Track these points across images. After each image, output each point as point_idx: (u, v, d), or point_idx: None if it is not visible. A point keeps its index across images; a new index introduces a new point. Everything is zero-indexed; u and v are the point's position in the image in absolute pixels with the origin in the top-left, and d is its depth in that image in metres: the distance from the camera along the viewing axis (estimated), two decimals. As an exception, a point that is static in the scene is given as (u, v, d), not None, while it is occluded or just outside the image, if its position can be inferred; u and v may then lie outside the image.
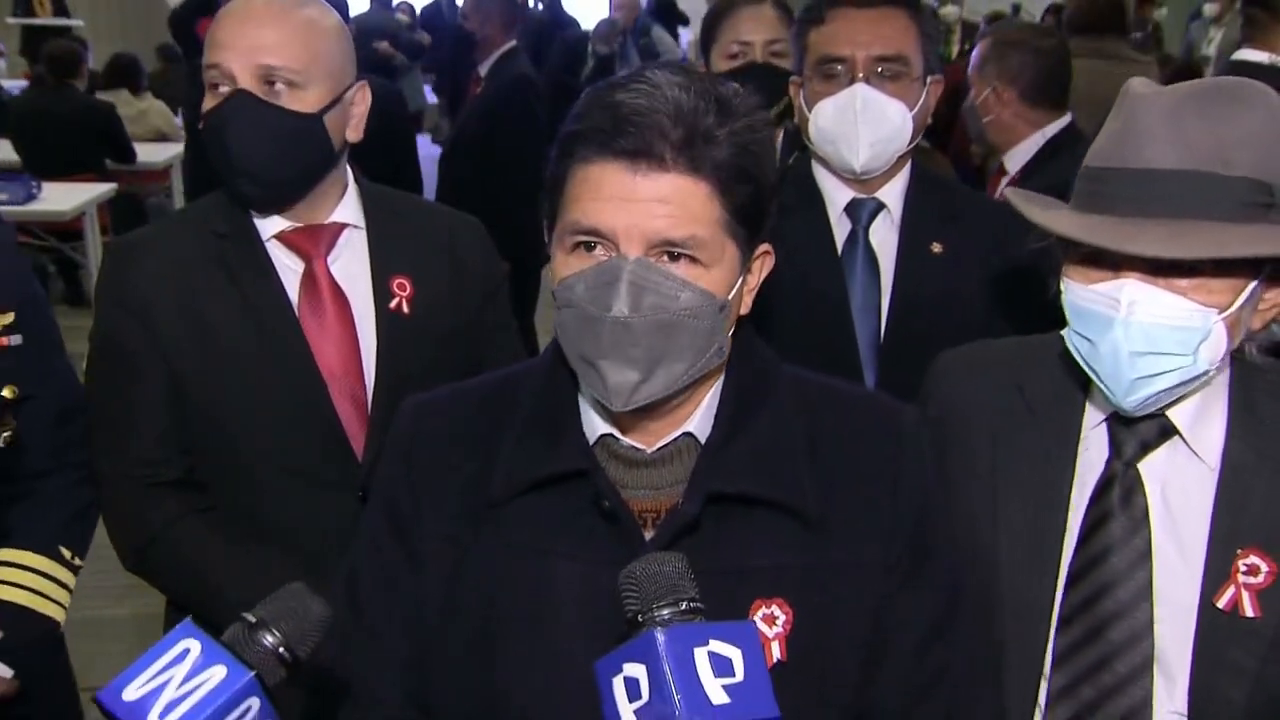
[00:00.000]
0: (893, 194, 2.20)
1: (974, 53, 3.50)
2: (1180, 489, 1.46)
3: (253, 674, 1.09)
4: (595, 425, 1.33)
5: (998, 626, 1.49)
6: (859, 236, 2.19)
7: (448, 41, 9.64)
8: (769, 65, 2.63)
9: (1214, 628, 1.41)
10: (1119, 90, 1.45)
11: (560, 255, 1.26)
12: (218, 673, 1.08)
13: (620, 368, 1.22)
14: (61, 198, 6.95)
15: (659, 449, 1.32)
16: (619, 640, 1.05)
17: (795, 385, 1.37)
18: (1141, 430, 1.47)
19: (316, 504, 1.89)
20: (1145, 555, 1.45)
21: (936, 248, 2.18)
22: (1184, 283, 1.35)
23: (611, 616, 1.12)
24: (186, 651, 1.10)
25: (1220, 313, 1.36)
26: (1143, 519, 1.45)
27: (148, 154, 8.06)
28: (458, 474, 1.35)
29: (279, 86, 1.81)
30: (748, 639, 1.04)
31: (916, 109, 2.12)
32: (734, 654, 1.02)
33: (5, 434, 1.82)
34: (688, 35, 12.02)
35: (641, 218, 1.20)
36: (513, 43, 5.09)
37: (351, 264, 1.95)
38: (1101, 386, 1.43)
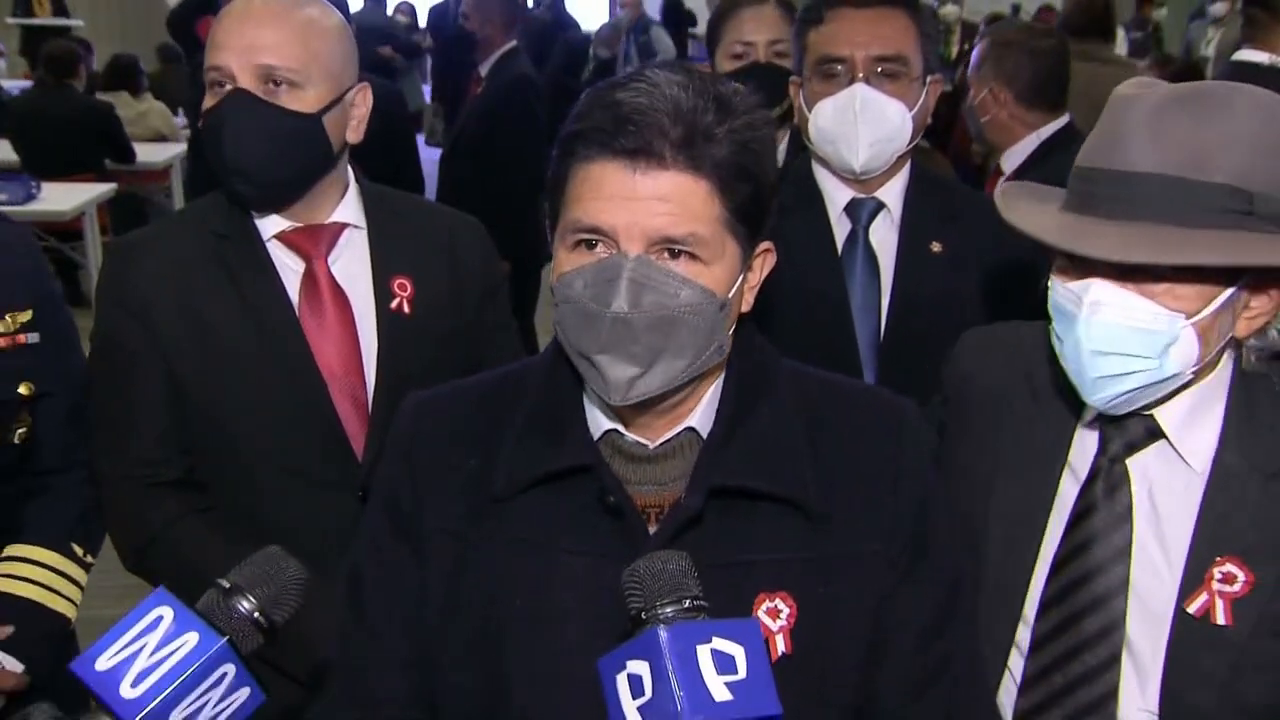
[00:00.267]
0: (892, 194, 2.21)
1: (973, 53, 3.50)
2: (1167, 491, 1.46)
3: (224, 640, 1.08)
4: (599, 421, 1.33)
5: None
6: (859, 236, 2.19)
7: (451, 42, 9.64)
8: (771, 65, 2.63)
9: (1186, 632, 1.42)
10: (1103, 91, 1.46)
11: (561, 253, 1.27)
12: (190, 640, 1.08)
13: (619, 363, 1.23)
14: (61, 198, 6.94)
15: (662, 444, 1.33)
16: (622, 636, 1.05)
17: (796, 380, 1.38)
18: (1129, 430, 1.48)
19: (316, 504, 1.88)
20: (1125, 551, 1.46)
21: (936, 247, 2.18)
22: (1156, 287, 1.35)
23: (615, 612, 1.13)
24: (160, 619, 1.09)
25: (1189, 318, 1.36)
26: (1126, 515, 1.47)
27: (147, 154, 8.06)
28: (459, 471, 1.35)
29: (278, 86, 1.81)
30: (750, 636, 1.04)
31: (916, 109, 2.12)
32: (737, 651, 1.02)
33: (20, 430, 1.84)
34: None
35: (642, 216, 1.20)
36: (513, 43, 5.08)
37: (352, 264, 1.95)
38: (1075, 385, 1.44)
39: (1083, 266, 1.39)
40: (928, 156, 3.41)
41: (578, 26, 11.72)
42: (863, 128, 2.09)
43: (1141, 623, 1.44)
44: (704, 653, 1.01)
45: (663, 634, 1.01)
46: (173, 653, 1.07)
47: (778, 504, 1.29)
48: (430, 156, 6.00)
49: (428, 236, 2.02)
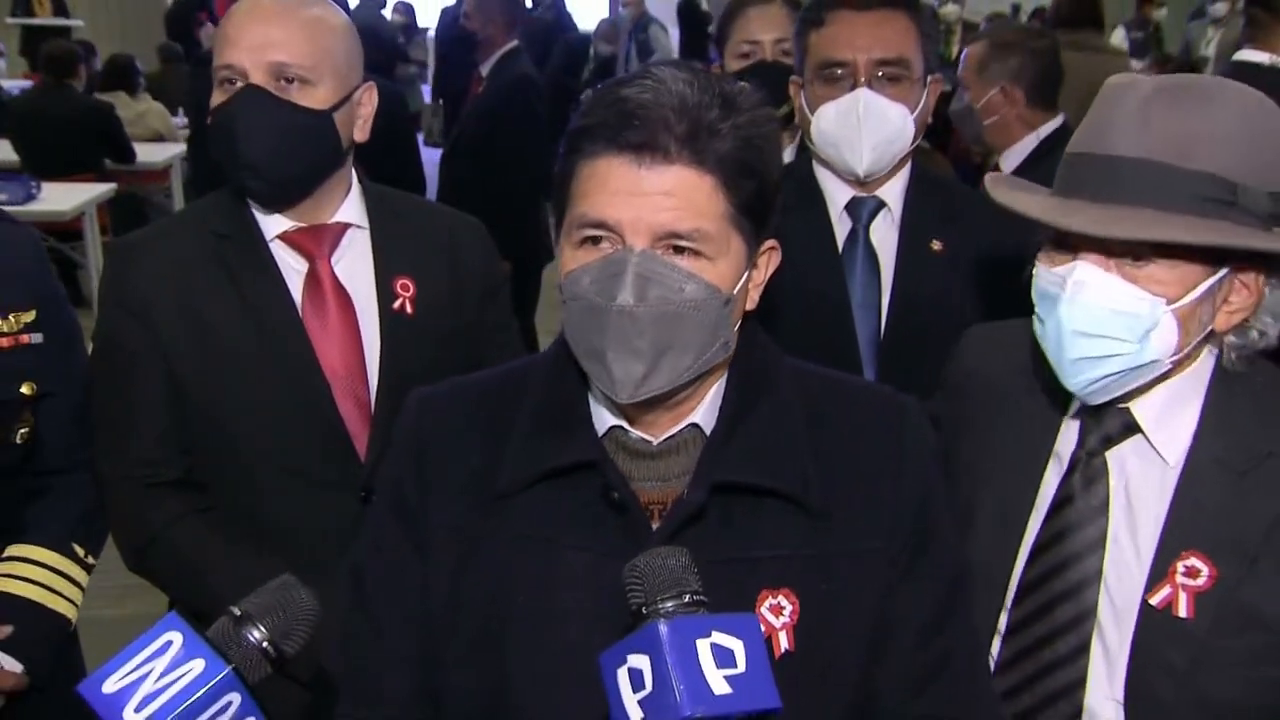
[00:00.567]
0: (893, 193, 2.21)
1: (965, 55, 3.49)
2: (1142, 484, 1.48)
3: (229, 669, 1.08)
4: (603, 417, 1.34)
5: None
6: (859, 235, 2.20)
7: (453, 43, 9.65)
8: (777, 63, 2.64)
9: (1150, 624, 1.44)
10: (1092, 80, 1.48)
11: (568, 250, 1.28)
12: (196, 666, 1.08)
13: (625, 359, 1.23)
14: (61, 198, 6.94)
15: (665, 441, 1.33)
16: (625, 631, 1.06)
17: (798, 378, 1.39)
18: (1107, 423, 1.50)
19: (317, 504, 1.89)
20: (1099, 542, 1.48)
21: (936, 246, 2.18)
22: (1137, 271, 1.38)
23: (617, 609, 1.13)
24: (169, 643, 1.09)
25: (1170, 303, 1.38)
26: (1102, 508, 1.49)
27: (147, 154, 8.06)
28: (463, 467, 1.35)
29: (290, 84, 1.81)
30: (750, 631, 1.05)
31: (918, 110, 2.13)
32: (736, 645, 1.03)
33: (23, 430, 1.84)
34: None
35: (647, 211, 1.21)
36: (514, 43, 5.09)
37: (355, 264, 1.95)
38: (1054, 369, 1.46)
39: (1067, 250, 1.42)
40: (928, 156, 3.41)
41: (576, 27, 11.72)
42: (866, 132, 2.10)
43: (1112, 613, 1.47)
44: (703, 647, 1.02)
45: (663, 628, 1.01)
46: (179, 679, 1.07)
47: (780, 501, 1.30)
48: (430, 157, 6.00)
49: (429, 237, 2.02)
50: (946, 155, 4.30)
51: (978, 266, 2.17)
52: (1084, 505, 1.50)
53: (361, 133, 1.93)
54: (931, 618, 1.34)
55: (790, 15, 2.69)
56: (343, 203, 1.95)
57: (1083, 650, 1.47)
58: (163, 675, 1.06)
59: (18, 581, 1.88)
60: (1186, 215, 1.36)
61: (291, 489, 1.88)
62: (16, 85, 9.88)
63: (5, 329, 1.81)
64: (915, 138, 2.16)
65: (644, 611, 1.06)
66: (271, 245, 1.91)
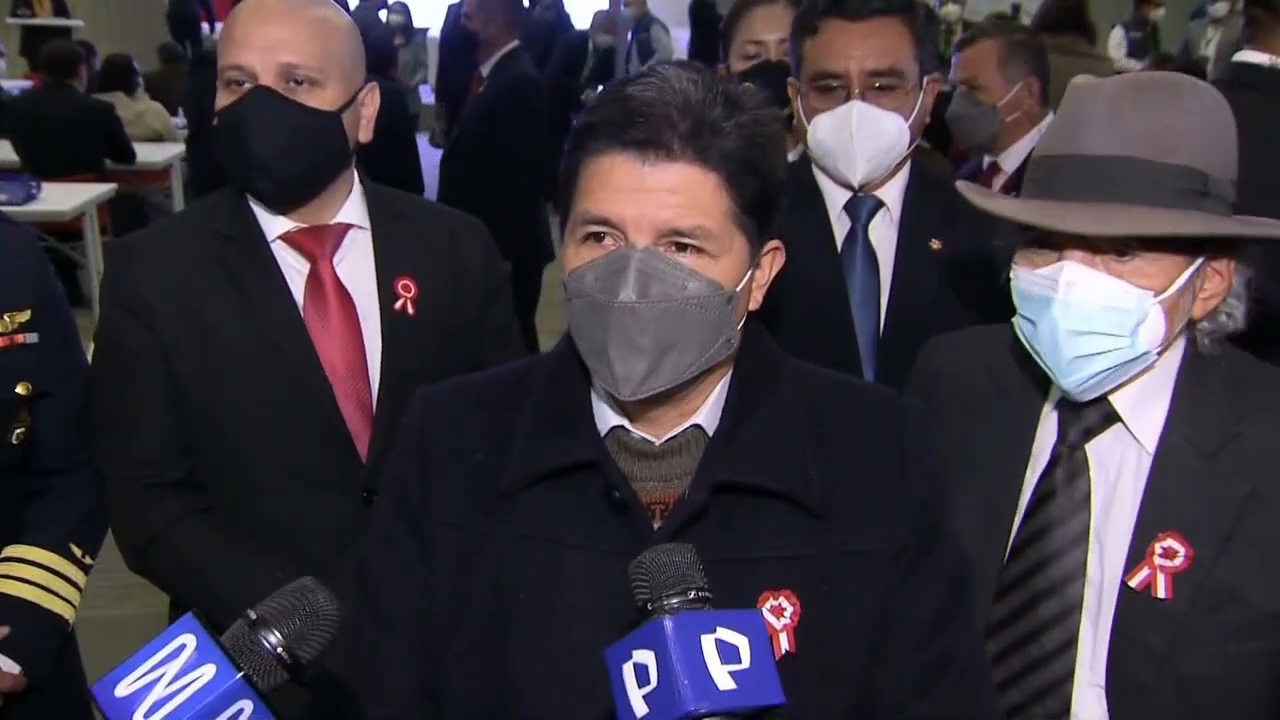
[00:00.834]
0: (892, 193, 2.21)
1: (970, 55, 3.40)
2: (1122, 472, 1.50)
3: (239, 676, 1.06)
4: (606, 417, 1.34)
5: None
6: (858, 234, 2.20)
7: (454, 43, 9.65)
8: (782, 64, 2.63)
9: (1129, 606, 1.46)
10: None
11: (571, 247, 1.29)
12: (207, 672, 1.06)
13: (628, 356, 1.24)
14: (61, 198, 6.94)
15: (668, 441, 1.34)
16: (628, 628, 1.06)
17: (800, 379, 1.39)
18: (1085, 416, 1.52)
19: (318, 505, 1.89)
20: (1082, 536, 1.50)
21: (936, 245, 2.18)
22: (1122, 266, 1.41)
23: (620, 605, 1.14)
24: (183, 646, 1.07)
25: (1156, 296, 1.41)
26: (1083, 501, 1.51)
27: (147, 154, 8.06)
28: (467, 465, 1.36)
29: (299, 85, 1.81)
30: (754, 627, 1.05)
31: (913, 116, 2.13)
32: (740, 642, 1.03)
33: (19, 430, 1.83)
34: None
35: (650, 207, 1.22)
36: (515, 42, 5.09)
37: (356, 265, 1.95)
38: (1046, 369, 1.48)
39: (1052, 250, 1.44)
40: (928, 156, 3.40)
41: (574, 27, 11.72)
42: (859, 144, 2.10)
43: (1096, 603, 1.48)
44: (708, 642, 1.02)
45: (668, 624, 1.02)
46: (189, 684, 1.05)
47: (782, 501, 1.30)
48: (431, 157, 6.01)
49: (430, 237, 2.02)
50: (946, 155, 4.29)
51: (977, 266, 2.17)
52: (1066, 500, 1.51)
53: (365, 133, 1.93)
54: (934, 617, 1.34)
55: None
56: (344, 203, 1.95)
57: (1069, 645, 1.49)
58: (174, 680, 1.05)
59: (15, 582, 1.88)
60: (1170, 208, 1.39)
61: (292, 489, 1.88)
62: (16, 85, 9.89)
63: (0, 329, 1.81)
64: (912, 142, 2.16)
65: (649, 608, 1.06)
66: (273, 246, 1.91)
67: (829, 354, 1.92)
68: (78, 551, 1.94)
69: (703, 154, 1.22)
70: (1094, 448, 1.52)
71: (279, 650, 1.09)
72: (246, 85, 1.80)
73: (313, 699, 1.48)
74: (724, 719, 1.00)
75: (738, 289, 1.28)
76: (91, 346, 1.96)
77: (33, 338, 1.84)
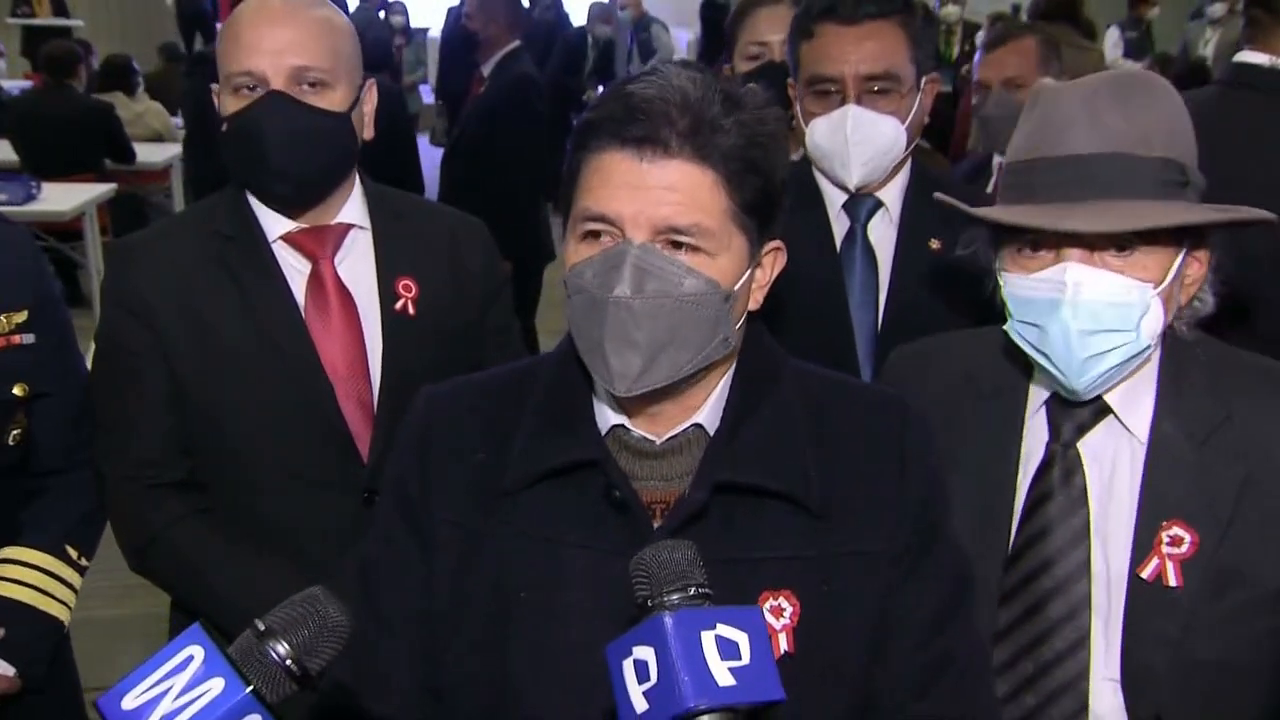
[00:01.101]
0: (892, 194, 2.22)
1: (1022, 51, 3.18)
2: (1116, 465, 1.51)
3: (248, 690, 1.05)
4: (607, 416, 1.35)
5: None
6: (857, 234, 2.20)
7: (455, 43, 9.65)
8: (785, 65, 2.63)
9: (1140, 598, 1.47)
10: (1072, 74, 1.51)
11: (571, 244, 1.29)
12: (215, 686, 1.04)
13: (623, 351, 1.24)
14: (61, 198, 6.94)
15: (668, 440, 1.34)
16: (628, 626, 1.07)
17: (801, 379, 1.39)
18: (1077, 413, 1.53)
19: (319, 505, 1.88)
20: (1083, 533, 1.50)
21: (935, 245, 2.18)
22: (1118, 261, 1.42)
23: (621, 604, 1.14)
24: (190, 658, 1.06)
25: (1155, 287, 1.43)
26: (1081, 498, 1.51)
27: (147, 154, 8.06)
28: (470, 463, 1.36)
29: (310, 87, 1.81)
30: (754, 623, 1.05)
31: (910, 119, 2.13)
32: (740, 638, 1.03)
33: (15, 432, 1.83)
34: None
35: (648, 204, 1.22)
36: (516, 42, 5.09)
37: (357, 265, 1.95)
38: (1053, 371, 1.48)
39: (1049, 252, 1.44)
40: (928, 156, 3.39)
41: (572, 26, 11.72)
42: (855, 148, 2.10)
43: (1105, 598, 1.49)
44: (708, 639, 1.02)
45: (668, 620, 1.02)
46: (197, 698, 1.04)
47: (782, 502, 1.30)
48: (432, 157, 6.01)
49: (430, 237, 2.02)
50: (946, 155, 4.30)
51: (976, 266, 2.17)
52: (1064, 498, 1.52)
53: (367, 130, 1.93)
54: (934, 617, 1.34)
55: None
56: (345, 204, 1.95)
57: (1082, 643, 1.49)
58: (182, 694, 1.04)
59: (11, 584, 1.88)
60: (1159, 200, 1.42)
61: (293, 490, 1.88)
62: (16, 85, 9.88)
63: None
64: (909, 144, 2.17)
65: (649, 604, 1.06)
66: (274, 246, 1.91)
67: (827, 353, 1.92)
68: (73, 553, 1.94)
69: (701, 151, 1.22)
70: (1086, 444, 1.53)
71: (288, 662, 1.07)
72: (257, 90, 1.80)
73: (315, 701, 1.48)
74: (724, 715, 1.00)
75: (736, 288, 1.28)
76: (91, 347, 1.95)
77: (30, 338, 1.84)
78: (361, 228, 1.96)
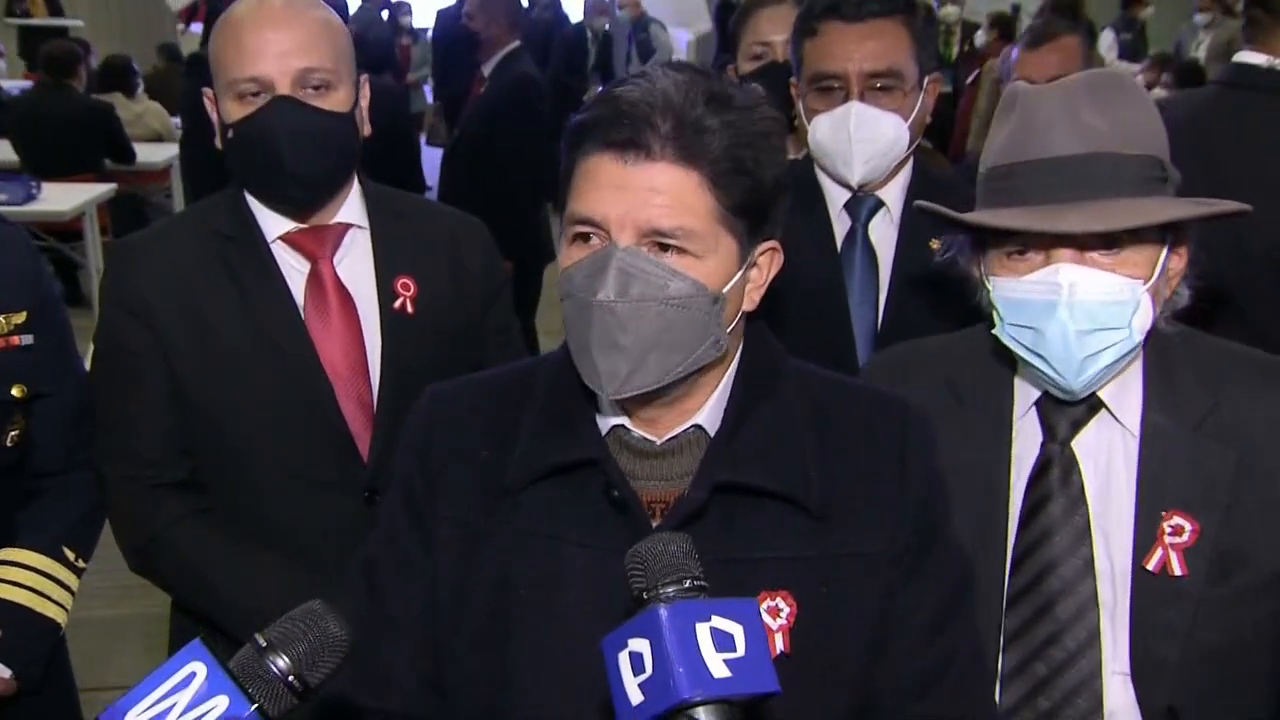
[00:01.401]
0: (893, 193, 2.22)
1: (1066, 50, 3.04)
2: (1111, 461, 1.52)
3: (253, 708, 1.05)
4: (608, 417, 1.35)
5: None
6: (858, 233, 2.21)
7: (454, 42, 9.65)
8: (788, 65, 2.64)
9: (1147, 590, 1.47)
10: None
11: (564, 247, 1.30)
12: (219, 704, 1.04)
13: (609, 355, 1.24)
14: (61, 198, 6.94)
15: (668, 440, 1.34)
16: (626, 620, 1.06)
17: (802, 379, 1.39)
18: (1071, 410, 1.53)
19: (319, 505, 1.88)
20: (1085, 532, 1.51)
21: (936, 245, 2.18)
22: (1108, 260, 1.43)
23: (620, 602, 1.14)
24: (193, 675, 1.06)
25: (1144, 283, 1.44)
26: (1080, 496, 1.52)
27: (147, 154, 8.06)
28: (473, 462, 1.37)
29: (315, 89, 1.80)
30: (749, 616, 1.05)
31: (913, 117, 2.13)
32: (736, 630, 1.03)
33: (14, 433, 1.82)
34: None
35: (633, 207, 1.22)
36: (517, 42, 5.09)
37: (356, 264, 1.95)
38: (1049, 373, 1.48)
39: (1039, 254, 1.45)
40: (930, 156, 3.38)
41: (569, 23, 11.73)
42: (858, 145, 2.11)
43: (1109, 592, 1.49)
44: (703, 631, 1.02)
45: (663, 612, 1.02)
46: (201, 716, 1.04)
47: (782, 502, 1.30)
48: (430, 157, 6.01)
49: (430, 237, 2.02)
50: (946, 155, 4.30)
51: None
52: (1063, 499, 1.52)
53: (365, 128, 1.93)
54: (934, 618, 1.34)
55: None
56: (345, 203, 1.95)
57: (1092, 641, 1.49)
58: (185, 712, 1.04)
59: (8, 586, 1.88)
60: (1146, 196, 1.43)
61: (293, 490, 1.88)
62: (16, 85, 9.88)
63: None
64: (911, 143, 2.17)
65: (645, 596, 1.06)
66: (273, 246, 1.91)
67: (827, 352, 1.92)
68: (70, 555, 1.94)
69: (685, 153, 1.22)
70: (1079, 442, 1.53)
71: (289, 677, 1.08)
72: (263, 96, 1.79)
73: (318, 699, 1.48)
74: (719, 707, 1.00)
75: (725, 290, 1.27)
76: (91, 347, 1.95)
77: (28, 339, 1.83)
78: (360, 227, 1.96)
